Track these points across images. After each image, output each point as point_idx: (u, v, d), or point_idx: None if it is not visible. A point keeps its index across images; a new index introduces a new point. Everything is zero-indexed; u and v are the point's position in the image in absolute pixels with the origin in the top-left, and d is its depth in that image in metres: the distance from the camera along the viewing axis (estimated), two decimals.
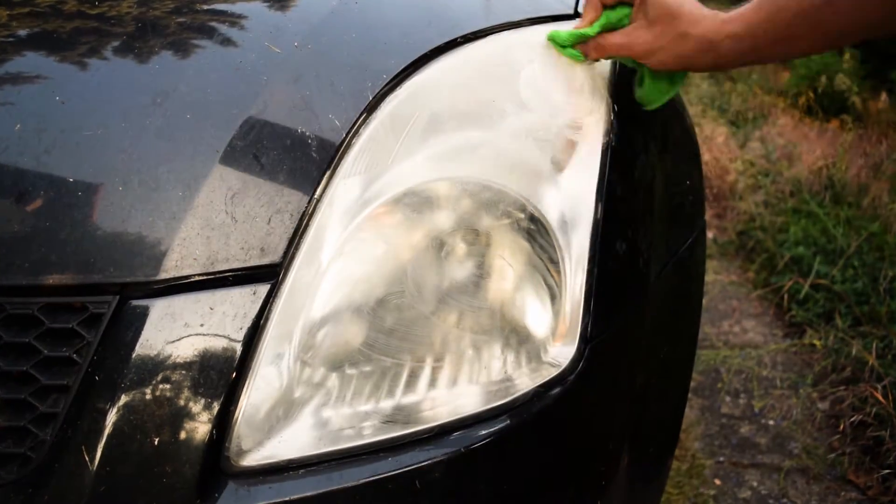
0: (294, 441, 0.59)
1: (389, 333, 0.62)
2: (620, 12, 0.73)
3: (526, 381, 0.64)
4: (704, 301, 2.07)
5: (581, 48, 0.75)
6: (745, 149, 3.53)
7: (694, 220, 0.93)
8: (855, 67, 4.45)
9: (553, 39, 0.75)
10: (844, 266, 2.36)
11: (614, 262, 0.70)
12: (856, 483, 1.63)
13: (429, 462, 0.59)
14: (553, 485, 0.66)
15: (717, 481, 1.66)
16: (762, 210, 2.89)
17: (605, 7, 0.73)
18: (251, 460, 0.57)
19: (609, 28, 0.73)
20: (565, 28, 0.75)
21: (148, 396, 0.55)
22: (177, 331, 0.55)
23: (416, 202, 0.64)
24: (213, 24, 0.72)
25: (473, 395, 0.62)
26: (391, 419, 0.61)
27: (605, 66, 0.79)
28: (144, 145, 0.60)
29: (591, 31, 0.73)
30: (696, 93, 4.79)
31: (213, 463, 0.56)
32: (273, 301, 0.58)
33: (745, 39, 0.66)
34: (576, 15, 0.82)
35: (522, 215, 0.66)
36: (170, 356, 0.55)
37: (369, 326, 0.61)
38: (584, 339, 0.66)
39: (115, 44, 0.69)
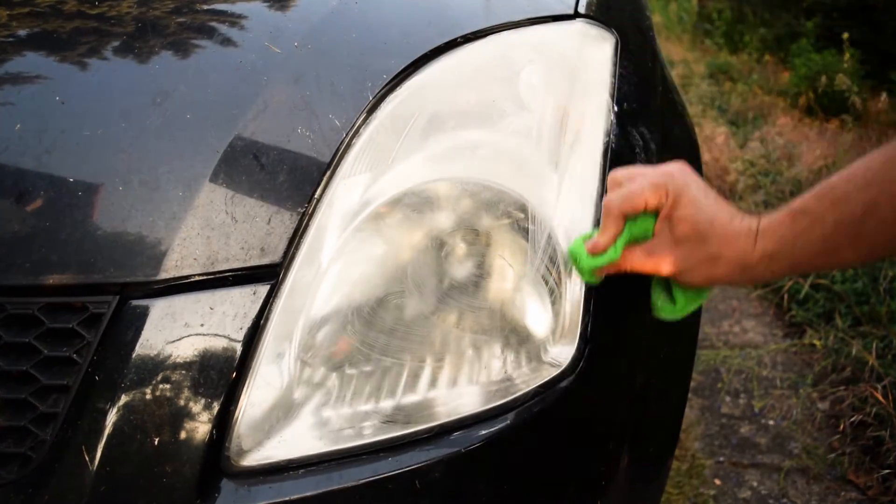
0: (294, 441, 0.59)
1: (389, 333, 0.62)
2: (643, 224, 0.63)
3: (526, 381, 0.64)
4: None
5: (600, 271, 0.64)
6: (745, 149, 3.53)
7: None
8: (855, 67, 4.44)
9: (575, 261, 0.64)
10: None
11: None
12: (856, 483, 1.63)
13: (429, 462, 0.59)
14: (553, 485, 0.66)
15: (717, 481, 1.66)
16: (762, 210, 2.89)
17: (627, 219, 0.62)
18: (251, 460, 0.57)
19: (632, 242, 0.63)
20: (585, 244, 0.64)
21: (148, 396, 0.55)
22: (177, 331, 0.55)
23: (416, 202, 0.64)
24: (213, 24, 0.72)
25: (473, 395, 0.62)
26: (391, 419, 0.61)
27: (604, 67, 0.79)
28: (144, 145, 0.60)
29: (615, 254, 0.62)
30: (696, 93, 4.79)
31: (213, 463, 0.56)
32: (273, 301, 0.58)
33: (780, 258, 0.58)
34: (576, 15, 0.82)
35: (522, 215, 0.66)
36: (170, 356, 0.55)
37: (369, 326, 0.61)
38: (584, 339, 0.66)
39: (115, 44, 0.69)
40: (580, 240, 0.65)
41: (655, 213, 0.62)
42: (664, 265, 0.62)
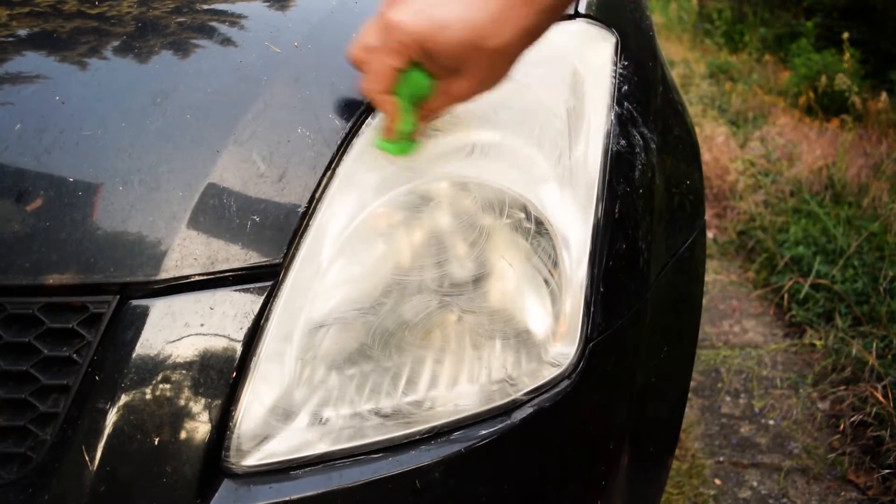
0: (294, 441, 0.59)
1: (389, 333, 0.62)
2: (416, 82, 0.59)
3: (526, 382, 0.64)
4: (704, 301, 2.06)
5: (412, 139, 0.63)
6: (745, 149, 3.53)
7: (694, 220, 0.93)
8: (855, 67, 4.44)
9: (393, 152, 0.63)
10: (844, 266, 2.36)
11: (614, 263, 0.70)
12: (856, 483, 1.63)
13: (429, 462, 0.59)
14: (553, 485, 0.66)
15: (717, 481, 1.66)
16: (762, 210, 2.89)
17: (396, 91, 0.59)
18: (251, 460, 0.57)
19: (418, 101, 0.60)
20: (380, 135, 0.63)
21: (148, 396, 0.55)
22: (177, 330, 0.55)
23: (416, 202, 0.64)
24: (213, 24, 0.72)
25: (473, 395, 0.62)
26: (391, 419, 0.61)
27: (604, 67, 0.79)
28: (144, 145, 0.60)
29: (408, 126, 0.60)
30: (696, 93, 4.79)
31: (214, 463, 0.56)
32: (273, 301, 0.58)
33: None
34: (576, 15, 0.82)
35: (523, 215, 0.66)
36: (170, 356, 0.55)
37: (369, 326, 0.61)
38: (585, 340, 0.66)
39: (115, 44, 0.69)
40: (376, 138, 0.63)
41: (419, 66, 0.58)
42: (464, 95, 0.60)
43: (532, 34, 0.57)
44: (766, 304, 2.45)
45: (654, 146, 0.82)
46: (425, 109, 0.61)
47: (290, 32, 0.71)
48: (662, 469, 0.90)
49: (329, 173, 0.62)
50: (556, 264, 0.66)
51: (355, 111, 0.65)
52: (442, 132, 0.67)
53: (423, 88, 0.59)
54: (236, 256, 0.58)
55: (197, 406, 0.55)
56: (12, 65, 0.65)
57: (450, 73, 0.58)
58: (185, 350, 0.55)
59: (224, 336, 0.56)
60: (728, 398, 1.96)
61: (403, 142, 0.62)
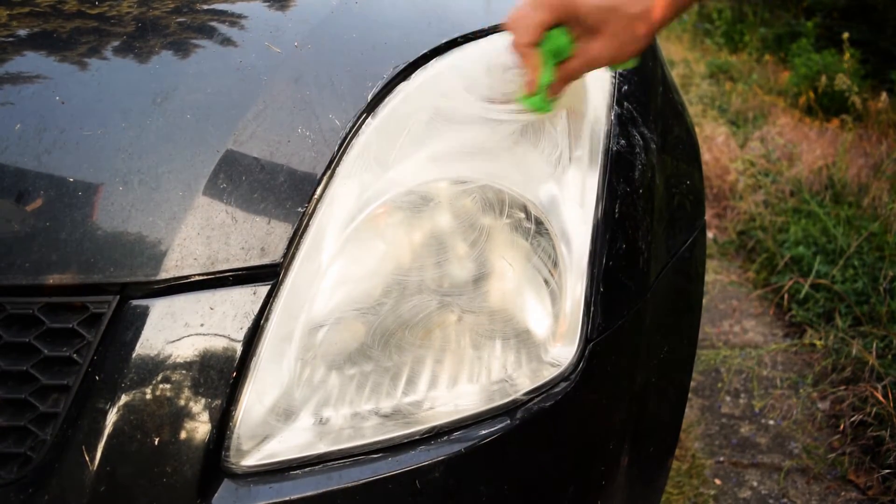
0: (294, 441, 0.59)
1: (389, 333, 0.62)
2: (556, 41, 0.65)
3: (526, 382, 0.64)
4: (704, 301, 2.06)
5: (550, 96, 0.68)
6: (745, 149, 3.53)
7: (694, 220, 0.93)
8: (855, 67, 4.44)
9: (534, 107, 0.68)
10: (844, 266, 2.36)
11: (614, 263, 0.70)
12: (856, 483, 1.63)
13: (429, 462, 0.59)
14: (553, 485, 0.66)
15: (717, 481, 1.66)
16: (762, 210, 2.89)
17: (539, 45, 0.65)
18: (251, 460, 0.57)
19: (560, 60, 0.66)
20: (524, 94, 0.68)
21: (148, 396, 0.55)
22: (177, 330, 0.56)
23: (416, 202, 0.64)
24: (213, 24, 0.72)
25: (473, 395, 0.62)
26: (391, 419, 0.61)
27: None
28: (144, 145, 0.60)
29: (546, 77, 0.66)
30: (696, 93, 4.79)
31: (214, 463, 0.56)
32: (273, 301, 0.58)
33: None
34: None
35: (523, 215, 0.66)
36: (170, 356, 0.55)
37: (369, 326, 0.61)
38: (585, 340, 0.66)
39: (115, 44, 0.69)
40: (519, 94, 0.68)
41: (561, 25, 0.65)
42: (602, 58, 0.65)
43: (673, 8, 0.64)
44: (766, 304, 2.45)
45: (654, 146, 0.82)
46: (564, 69, 0.66)
47: (290, 32, 0.71)
48: (662, 469, 0.90)
49: (329, 173, 0.62)
50: (555, 264, 0.66)
51: (355, 111, 0.65)
52: (444, 130, 0.67)
53: (564, 46, 0.65)
54: (236, 256, 0.58)
55: (197, 406, 0.55)
56: (12, 65, 0.65)
57: (589, 35, 0.64)
58: (185, 350, 0.55)
59: (224, 336, 0.56)
60: (728, 398, 1.96)
61: (542, 98, 0.67)
